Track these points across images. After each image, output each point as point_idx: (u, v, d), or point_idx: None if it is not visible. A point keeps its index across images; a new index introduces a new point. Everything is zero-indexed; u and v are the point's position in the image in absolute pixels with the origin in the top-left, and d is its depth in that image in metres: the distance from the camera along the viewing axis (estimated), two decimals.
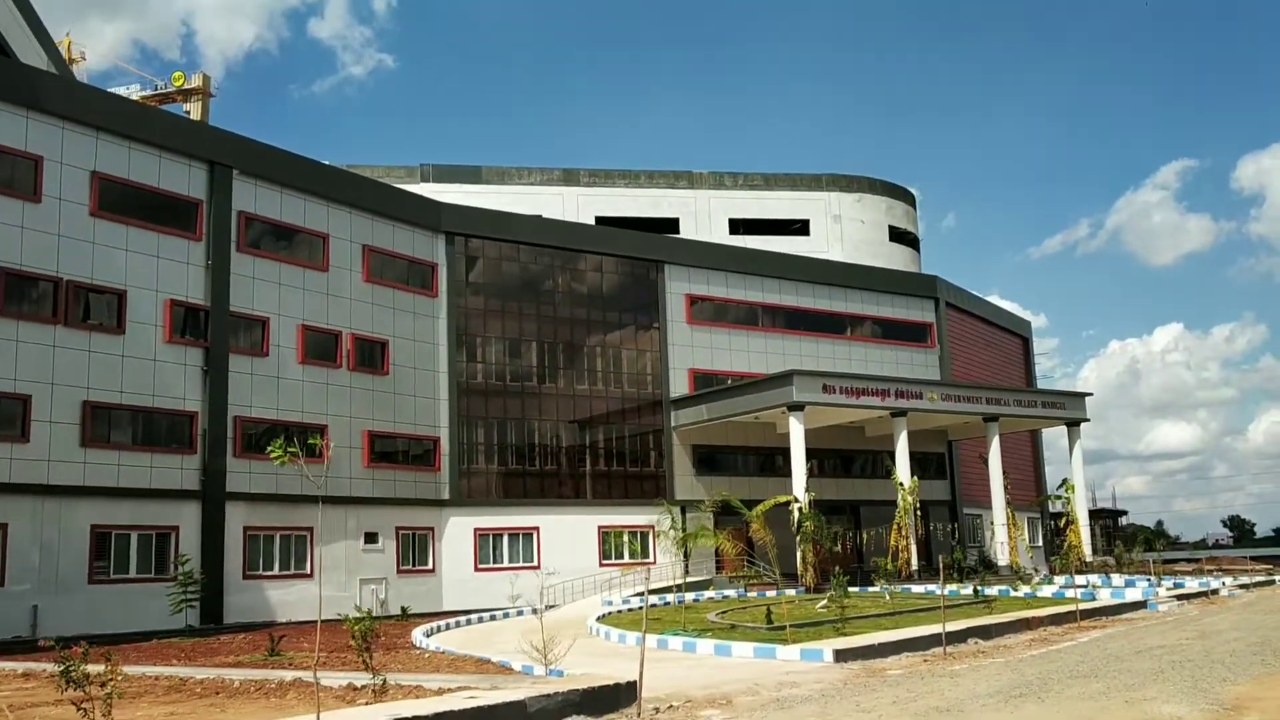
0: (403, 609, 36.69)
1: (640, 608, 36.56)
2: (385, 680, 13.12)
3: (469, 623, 31.52)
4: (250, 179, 36.44)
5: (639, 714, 12.24)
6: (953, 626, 22.04)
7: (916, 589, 40.51)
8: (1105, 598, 33.88)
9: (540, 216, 48.06)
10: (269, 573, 35.55)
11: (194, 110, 66.26)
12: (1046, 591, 36.46)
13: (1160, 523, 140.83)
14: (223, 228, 35.25)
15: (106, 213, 32.32)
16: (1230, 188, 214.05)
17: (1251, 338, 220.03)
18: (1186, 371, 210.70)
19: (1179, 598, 35.38)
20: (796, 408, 42.72)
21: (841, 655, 17.53)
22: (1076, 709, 11.39)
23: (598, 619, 26.65)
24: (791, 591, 40.50)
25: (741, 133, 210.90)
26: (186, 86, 66.16)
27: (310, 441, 10.89)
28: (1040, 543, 63.21)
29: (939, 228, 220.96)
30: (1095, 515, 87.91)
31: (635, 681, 12.75)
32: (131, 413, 32.40)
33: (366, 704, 12.09)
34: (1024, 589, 37.85)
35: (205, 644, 24.72)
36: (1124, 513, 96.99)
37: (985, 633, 22.57)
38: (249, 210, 36.28)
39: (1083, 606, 30.04)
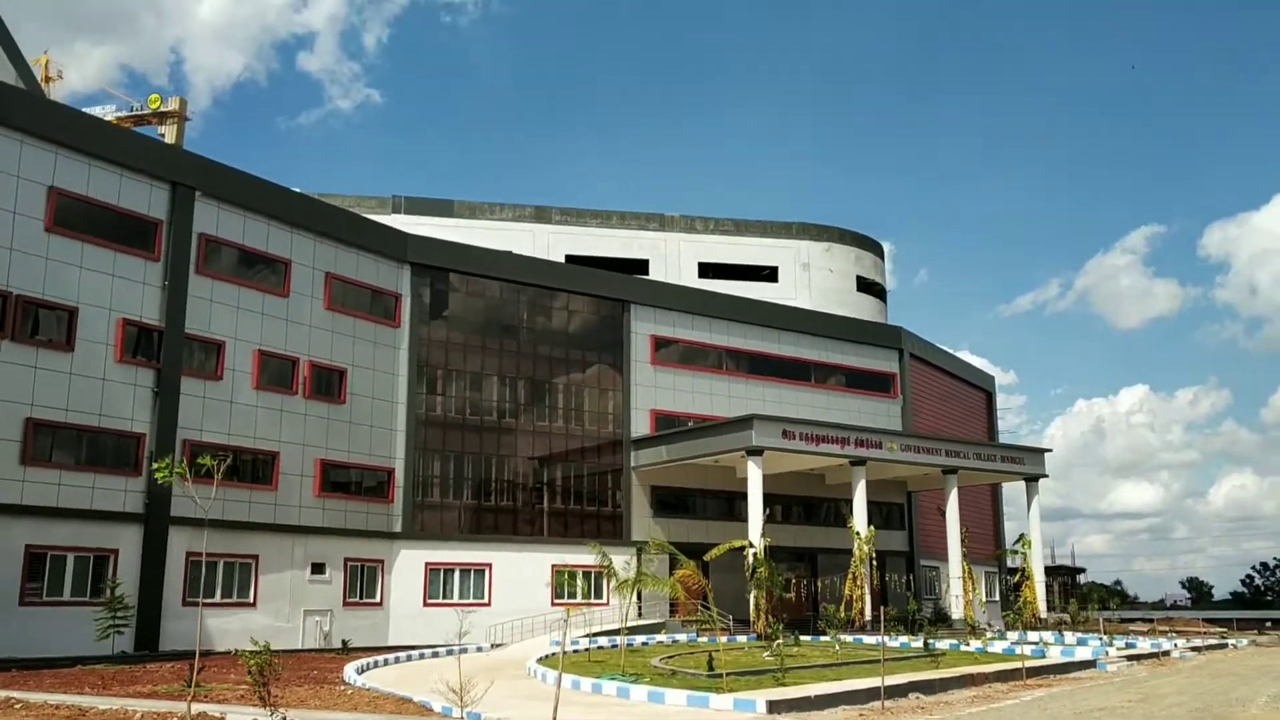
0: (344, 642, 36.59)
1: (589, 649, 36.12)
2: (285, 717, 12.70)
3: (409, 659, 30.92)
4: (213, 201, 36.09)
5: None
6: (896, 680, 21.83)
7: (869, 639, 40.22)
8: (1055, 655, 33.76)
9: (508, 252, 47.93)
10: (210, 600, 34.78)
11: (169, 133, 65.90)
12: (997, 647, 36.25)
13: (1119, 582, 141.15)
14: (182, 249, 34.84)
15: (62, 228, 31.83)
16: (1197, 255, 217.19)
17: (1215, 401, 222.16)
18: (1150, 433, 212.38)
19: (1129, 658, 35.30)
20: (755, 452, 42.54)
21: (775, 706, 17.22)
22: None
23: (538, 660, 26.21)
24: (743, 638, 40.15)
25: (716, 181, 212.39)
26: (162, 109, 65.80)
27: (199, 461, 10.35)
28: (997, 597, 63.11)
29: (911, 283, 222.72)
30: (1053, 572, 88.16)
31: None
32: (76, 432, 31.77)
33: None
34: (975, 644, 37.68)
35: (129, 672, 24.07)
36: (1082, 570, 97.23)
37: (928, 688, 22.34)
38: (210, 232, 35.90)
39: (1031, 664, 29.87)
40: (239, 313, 36.56)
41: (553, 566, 44.38)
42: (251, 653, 13.30)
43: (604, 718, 16.71)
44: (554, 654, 31.29)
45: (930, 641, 37.19)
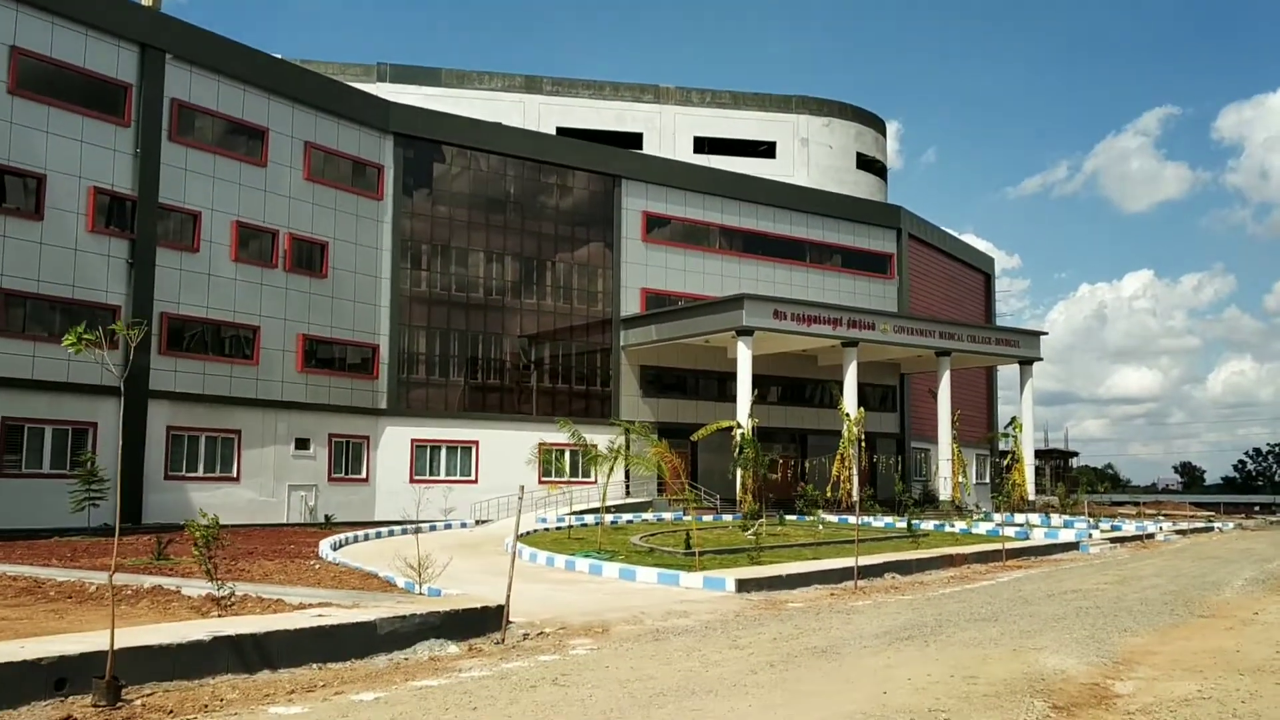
0: (326, 517, 36.60)
1: (572, 526, 36.11)
2: (233, 591, 12.36)
3: (390, 534, 30.81)
4: (185, 64, 34.74)
5: (503, 639, 11.53)
6: (872, 560, 21.63)
7: (854, 520, 40.28)
8: (1039, 538, 33.72)
9: (496, 123, 46.45)
10: (193, 474, 34.67)
11: None
12: (982, 529, 36.27)
13: (1110, 466, 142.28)
14: (153, 115, 33.65)
15: (26, 91, 30.62)
16: (1210, 137, 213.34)
17: (1219, 288, 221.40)
18: (1152, 318, 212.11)
19: (1113, 541, 35.32)
20: (745, 332, 41.93)
21: (745, 585, 16.95)
22: (958, 656, 10.78)
23: (517, 537, 25.92)
24: (728, 517, 40.22)
25: (714, 54, 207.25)
26: None
27: (112, 327, 9.72)
28: (988, 480, 63.34)
29: (918, 162, 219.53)
30: (1046, 456, 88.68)
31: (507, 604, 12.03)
32: (49, 303, 31.14)
33: (206, 617, 11.31)
34: (960, 525, 37.70)
35: (101, 544, 23.87)
36: (1075, 454, 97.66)
37: (905, 568, 22.15)
38: (183, 98, 34.64)
39: (1012, 546, 29.80)
40: (215, 182, 35.54)
41: (540, 445, 44.19)
42: (198, 525, 12.87)
43: (572, 594, 16.43)
44: (533, 531, 31.25)
45: (914, 523, 37.23)
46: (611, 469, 31.84)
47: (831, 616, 14.06)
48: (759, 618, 13.89)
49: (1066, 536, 33.46)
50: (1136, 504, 77.93)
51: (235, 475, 35.84)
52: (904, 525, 36.63)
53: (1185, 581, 20.17)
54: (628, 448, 46.24)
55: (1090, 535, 34.96)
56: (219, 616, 11.69)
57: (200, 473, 34.95)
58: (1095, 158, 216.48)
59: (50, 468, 30.95)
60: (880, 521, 38.78)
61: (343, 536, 27.64)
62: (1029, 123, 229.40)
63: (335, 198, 39.49)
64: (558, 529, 33.59)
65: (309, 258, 38.50)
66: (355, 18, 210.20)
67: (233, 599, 12.52)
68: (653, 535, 27.66)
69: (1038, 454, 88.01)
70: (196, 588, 13.61)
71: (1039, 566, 25.24)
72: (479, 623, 11.73)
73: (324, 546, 22.94)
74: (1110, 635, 12.37)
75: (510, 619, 12.11)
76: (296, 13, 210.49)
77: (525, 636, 11.89)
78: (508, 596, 11.80)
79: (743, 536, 31.48)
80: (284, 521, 36.43)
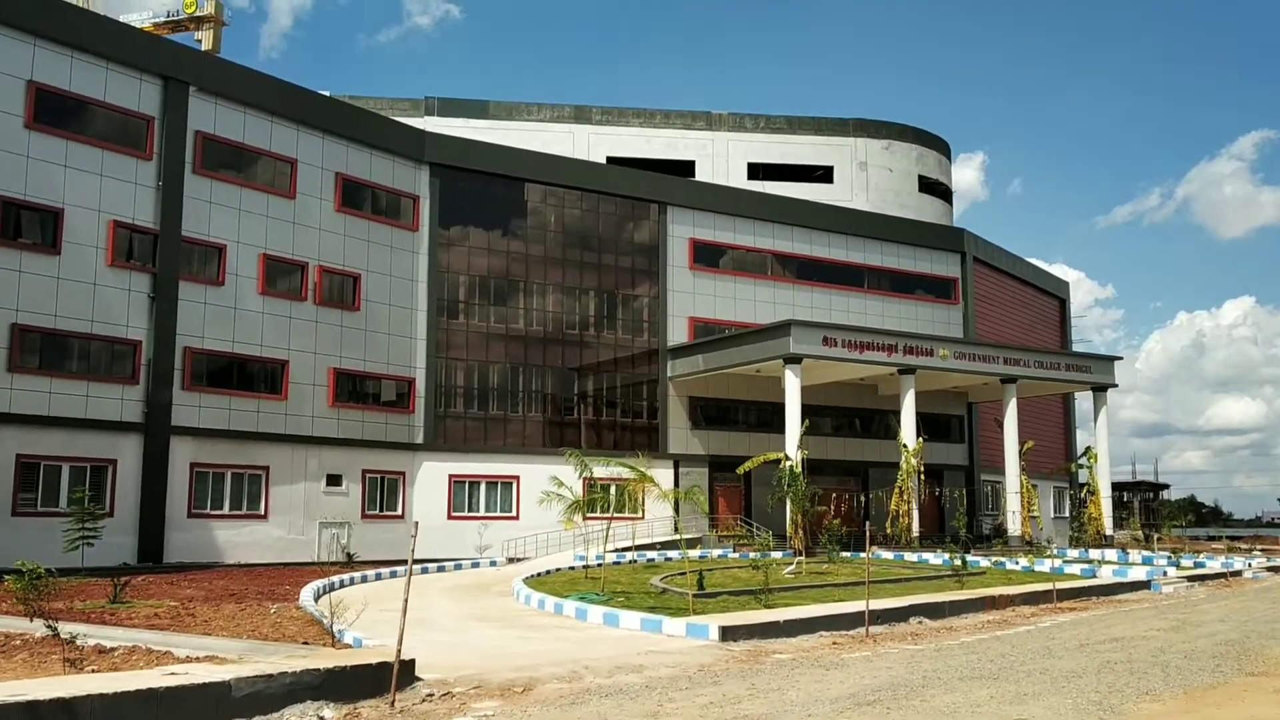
0: (349, 555, 35.43)
1: (618, 562, 34.48)
2: (74, 639, 10.99)
3: (393, 575, 29.41)
4: (209, 97, 34.32)
5: (393, 702, 9.95)
6: (897, 603, 19.64)
7: (910, 556, 37.94)
8: (1106, 575, 31.08)
9: (534, 151, 45.38)
10: (218, 512, 33.85)
11: (205, 39, 64.24)
12: (1045, 566, 33.60)
13: (1212, 501, 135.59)
14: (176, 147, 33.21)
15: (44, 125, 30.38)
16: None
17: None
18: (1253, 346, 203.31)
19: (1192, 579, 32.45)
20: (793, 360, 40.00)
21: (731, 633, 15.13)
22: None
23: (524, 580, 24.41)
24: (777, 554, 38.17)
25: (791, 86, 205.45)
26: (198, 14, 64.16)
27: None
28: (1067, 513, 59.98)
29: (1005, 194, 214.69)
30: (1133, 488, 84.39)
31: (414, 659, 10.46)
32: (67, 338, 30.65)
33: (81, 671, 9.96)
34: (1024, 562, 35.10)
35: (84, 586, 22.83)
36: (1166, 486, 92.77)
37: (936, 611, 20.05)
38: (207, 130, 34.19)
39: (1070, 585, 27.33)
40: (241, 215, 34.96)
41: (585, 480, 42.64)
42: (17, 573, 11.60)
43: (534, 644, 14.80)
44: (553, 570, 29.64)
45: (973, 559, 34.79)
46: (641, 502, 30.07)
47: (807, 672, 12.20)
48: (722, 673, 12.11)
49: (1137, 575, 30.74)
50: (1236, 538, 73.46)
51: (263, 513, 34.95)
52: (961, 562, 34.30)
53: (1253, 627, 17.76)
54: (676, 481, 44.90)
55: (1165, 573, 32.15)
56: (93, 671, 10.37)
57: (226, 510, 34.13)
58: (1188, 184, 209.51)
59: (66, 505, 30.27)
60: (939, 559, 36.34)
61: (347, 576, 26.36)
62: (1118, 151, 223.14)
63: (368, 229, 38.71)
64: (586, 567, 31.97)
65: (340, 290, 37.71)
66: (406, 55, 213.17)
67: (116, 652, 11.17)
68: (672, 575, 25.80)
69: (1126, 487, 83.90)
70: (106, 636, 12.33)
71: (1096, 608, 22.86)
72: (373, 681, 10.19)
73: (306, 592, 21.38)
74: (1124, 700, 10.34)
75: (419, 676, 10.56)
76: (390, 64, 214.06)
77: (427, 698, 10.31)
78: (398, 651, 10.22)
79: (782, 575, 29.57)
80: (314, 560, 35.38)
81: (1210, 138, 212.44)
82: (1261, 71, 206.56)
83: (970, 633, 17.51)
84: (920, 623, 18.94)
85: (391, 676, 10.05)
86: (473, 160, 42.12)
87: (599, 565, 33.72)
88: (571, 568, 32.12)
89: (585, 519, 42.00)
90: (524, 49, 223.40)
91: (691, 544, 42.28)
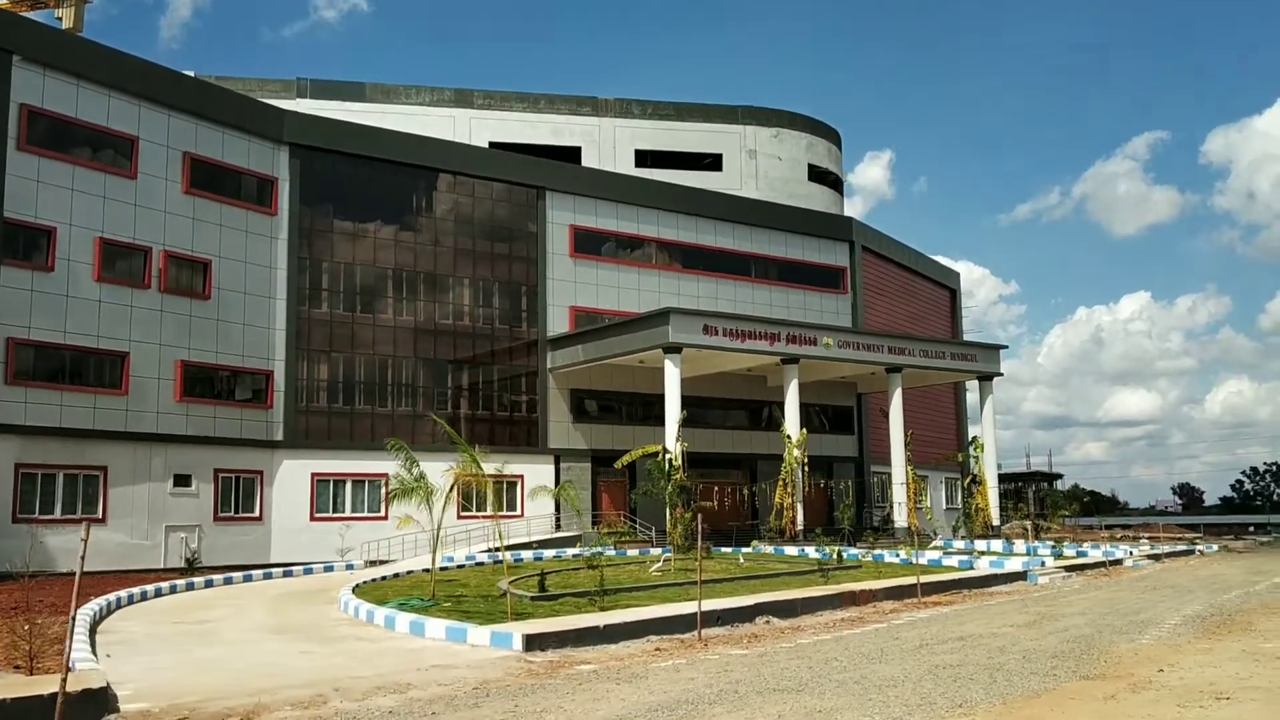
0: (188, 561, 33.15)
1: (483, 564, 32.82)
2: None
3: (249, 579, 27.40)
4: (37, 67, 31.73)
5: None
6: (744, 602, 18.34)
7: (791, 550, 36.93)
8: (983, 567, 30.37)
9: (403, 133, 43.30)
10: (48, 516, 31.28)
11: (66, 17, 60.35)
12: (925, 558, 32.82)
13: (1112, 491, 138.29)
14: None
15: None
16: (1199, 161, 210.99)
17: (1213, 309, 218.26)
18: (1148, 340, 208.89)
19: (1071, 568, 31.96)
20: (673, 349, 38.68)
21: (537, 641, 13.61)
22: None
23: (361, 585, 22.59)
24: (656, 550, 36.88)
25: (691, 76, 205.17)
26: None
27: None
28: (959, 504, 59.82)
29: (910, 191, 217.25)
30: (1027, 479, 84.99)
31: (109, 686, 8.72)
32: None
33: None
34: (903, 554, 34.29)
35: None
36: (1059, 476, 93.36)
37: (787, 609, 18.82)
38: (33, 104, 31.58)
39: (947, 577, 26.49)
40: (74, 195, 32.40)
41: (457, 476, 40.82)
42: None
43: (312, 660, 13.10)
44: (387, 577, 27.77)
45: (852, 552, 33.89)
46: (521, 500, 28.43)
47: (595, 687, 10.73)
48: (496, 691, 10.59)
49: (1013, 566, 30.07)
50: (1126, 526, 74.34)
51: (100, 516, 32.39)
52: (856, 554, 33.39)
53: (1110, 620, 16.82)
54: (557, 478, 43.30)
55: (1043, 564, 31.57)
56: None
57: (58, 515, 31.54)
58: (1084, 183, 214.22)
59: None
60: (820, 552, 35.35)
61: (167, 584, 24.25)
62: (1020, 149, 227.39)
63: (221, 212, 36.35)
64: (444, 569, 30.24)
65: (190, 278, 35.32)
66: (311, 48, 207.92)
67: None
68: (521, 578, 24.19)
69: (1019, 477, 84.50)
70: None
71: (961, 602, 21.90)
72: (51, 714, 8.41)
73: (91, 605, 18.99)
74: (932, 715, 9.05)
75: (120, 707, 8.84)
76: (297, 59, 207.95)
77: None
78: (63, 683, 8.47)
79: (649, 573, 28.24)
80: (161, 566, 33.02)
81: (1106, 138, 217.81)
82: (1156, 73, 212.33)
83: (814, 633, 16.26)
84: (767, 622, 17.67)
85: (102, 703, 8.32)
86: (338, 142, 39.97)
87: (458, 568, 32.07)
88: (443, 568, 30.29)
89: (460, 517, 40.38)
90: (429, 40, 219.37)
91: (571, 542, 40.77)
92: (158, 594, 23.25)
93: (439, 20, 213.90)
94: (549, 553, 36.73)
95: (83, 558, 8.87)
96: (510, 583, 23.35)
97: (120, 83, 33.76)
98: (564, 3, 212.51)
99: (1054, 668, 11.58)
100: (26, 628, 10.52)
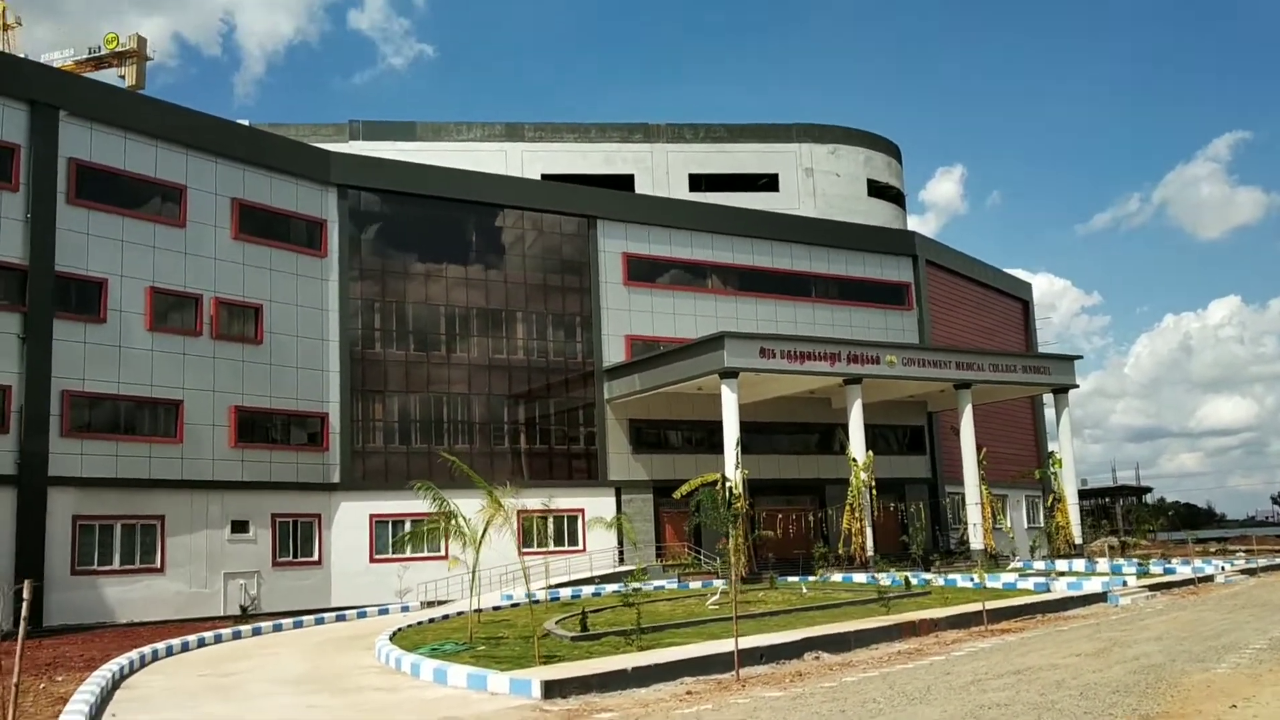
0: (242, 608, 32.95)
1: (538, 601, 32.10)
2: None
3: (297, 625, 27.02)
4: (83, 122, 32.14)
5: None
6: (791, 637, 17.31)
7: (860, 578, 35.59)
8: (1060, 589, 28.78)
9: (450, 169, 43.10)
10: (106, 567, 31.35)
11: (128, 75, 62.22)
12: (999, 582, 31.32)
13: (1208, 503, 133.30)
14: (46, 176, 30.96)
15: None
16: None
17: None
18: (1240, 346, 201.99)
19: (1155, 587, 30.34)
20: (729, 374, 37.75)
21: (557, 688, 12.82)
22: None
23: (391, 634, 21.96)
24: (718, 582, 35.82)
25: (753, 100, 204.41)
26: (120, 49, 62.16)
27: None
28: (1040, 523, 57.67)
29: (984, 206, 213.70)
30: (1114, 493, 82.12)
31: None
32: None
33: None
34: (976, 578, 32.78)
35: None
36: (1148, 490, 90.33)
37: (840, 644, 17.75)
38: (82, 157, 31.97)
39: (1021, 601, 25.13)
40: (124, 246, 32.68)
41: (518, 513, 40.25)
42: None
43: (318, 714, 12.43)
44: (436, 619, 27.14)
45: (925, 577, 32.49)
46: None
47: None
48: None
49: (1092, 587, 28.49)
50: (1223, 539, 71.15)
51: (159, 566, 32.45)
52: (925, 579, 32.04)
53: (1186, 646, 15.48)
54: (619, 510, 42.49)
55: (1124, 584, 29.91)
56: None
57: (116, 565, 31.61)
58: (1165, 188, 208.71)
59: None
60: (890, 579, 34.00)
61: (211, 634, 23.88)
62: (1094, 158, 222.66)
63: (271, 256, 36.46)
64: (511, 607, 29.66)
65: (240, 323, 35.41)
66: (379, 95, 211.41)
67: None
68: (571, 617, 23.39)
69: (1106, 492, 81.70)
70: None
71: (1032, 628, 20.59)
72: None
73: (105, 669, 17.91)
74: None
75: None
76: (368, 106, 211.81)
77: None
78: None
79: (706, 607, 27.27)
80: (220, 614, 32.90)
81: (1185, 141, 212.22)
82: (1235, 72, 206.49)
83: (863, 669, 15.21)
84: (816, 658, 16.64)
85: None
86: (386, 181, 39.97)
87: (511, 606, 31.40)
88: (497, 608, 29.78)
89: (521, 554, 39.74)
90: (495, 80, 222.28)
91: (636, 575, 39.90)
92: (200, 644, 22.91)
93: (498, 58, 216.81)
94: (610, 587, 35.91)
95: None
96: (557, 622, 22.62)
97: (167, 133, 34.08)
98: (622, 32, 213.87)
99: (1111, 706, 10.46)
100: (15, 686, 10.03)
